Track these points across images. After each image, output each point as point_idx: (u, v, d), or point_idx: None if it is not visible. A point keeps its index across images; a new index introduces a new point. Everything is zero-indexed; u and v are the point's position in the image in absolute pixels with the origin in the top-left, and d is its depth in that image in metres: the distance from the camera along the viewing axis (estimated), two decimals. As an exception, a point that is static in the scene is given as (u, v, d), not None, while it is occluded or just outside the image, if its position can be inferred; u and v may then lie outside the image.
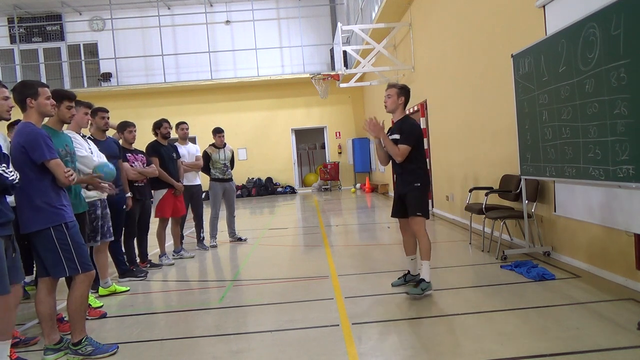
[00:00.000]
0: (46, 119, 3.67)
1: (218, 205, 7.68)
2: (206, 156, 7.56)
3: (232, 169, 7.81)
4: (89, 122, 4.82)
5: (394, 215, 4.66)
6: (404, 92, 4.54)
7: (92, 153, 4.57)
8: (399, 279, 4.69)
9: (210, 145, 7.69)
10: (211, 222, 7.64)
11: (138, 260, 6.13)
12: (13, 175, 2.98)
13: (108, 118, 5.39)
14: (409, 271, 4.66)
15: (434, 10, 9.19)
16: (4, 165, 2.96)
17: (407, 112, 11.66)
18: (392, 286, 4.62)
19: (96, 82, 18.01)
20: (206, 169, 7.56)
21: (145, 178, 5.99)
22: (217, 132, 7.69)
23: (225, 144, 7.75)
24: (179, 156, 6.74)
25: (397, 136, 4.42)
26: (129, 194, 5.63)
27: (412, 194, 4.38)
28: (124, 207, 5.51)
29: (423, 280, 4.26)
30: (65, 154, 3.71)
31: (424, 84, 10.23)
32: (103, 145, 5.25)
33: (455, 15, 7.97)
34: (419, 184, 4.37)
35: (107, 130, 5.49)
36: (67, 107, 3.76)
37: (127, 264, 5.74)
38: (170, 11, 18.32)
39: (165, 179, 6.32)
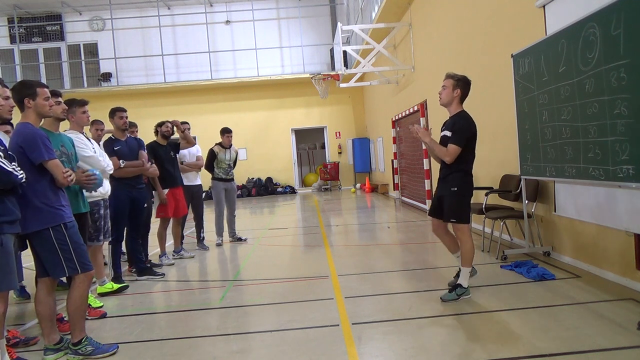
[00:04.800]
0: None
1: (222, 203, 7.67)
2: (212, 154, 7.54)
3: (233, 168, 7.82)
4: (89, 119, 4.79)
5: (429, 214, 4.42)
6: (462, 84, 4.11)
7: (95, 153, 4.59)
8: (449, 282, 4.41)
9: (217, 144, 7.65)
10: (216, 221, 7.65)
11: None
12: (22, 174, 2.99)
13: (127, 117, 5.54)
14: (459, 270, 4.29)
15: (433, 10, 9.19)
16: (14, 164, 2.97)
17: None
18: (448, 285, 4.32)
19: (96, 82, 18.01)
20: (210, 167, 7.56)
21: (147, 178, 6.00)
22: (226, 132, 7.64)
23: (231, 144, 7.74)
24: (178, 151, 6.74)
25: (448, 133, 4.08)
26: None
27: (447, 199, 4.14)
28: (145, 205, 5.65)
29: (460, 285, 4.09)
30: (60, 155, 3.70)
31: (424, 84, 10.22)
32: (125, 144, 5.45)
33: (455, 15, 7.97)
34: (455, 188, 4.08)
35: (127, 129, 5.61)
36: (56, 102, 3.73)
37: (144, 263, 5.87)
38: (170, 11, 18.31)
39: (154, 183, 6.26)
